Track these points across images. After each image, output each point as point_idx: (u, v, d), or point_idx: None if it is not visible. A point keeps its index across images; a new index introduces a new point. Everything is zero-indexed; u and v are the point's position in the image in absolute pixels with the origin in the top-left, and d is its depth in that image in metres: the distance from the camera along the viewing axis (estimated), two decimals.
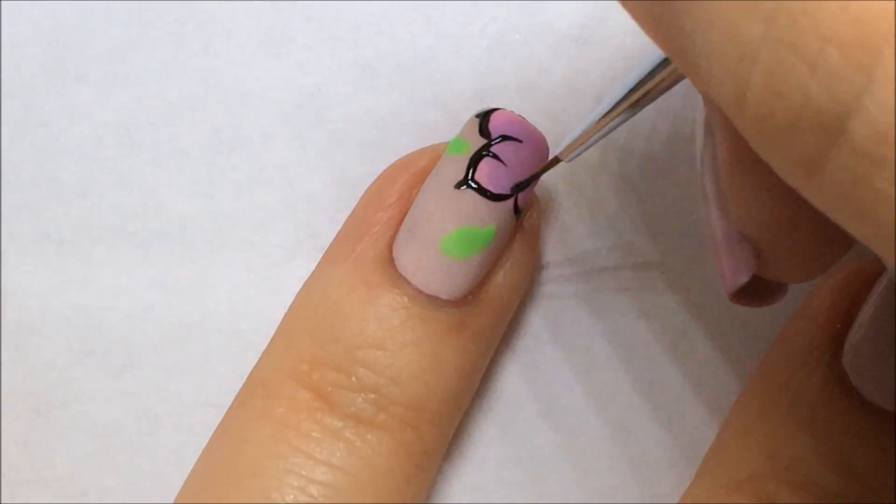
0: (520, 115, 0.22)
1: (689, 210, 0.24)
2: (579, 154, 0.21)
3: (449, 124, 0.24)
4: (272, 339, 0.23)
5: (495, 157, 0.22)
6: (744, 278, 0.19)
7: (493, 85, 0.24)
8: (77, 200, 0.25)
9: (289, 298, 0.24)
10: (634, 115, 0.20)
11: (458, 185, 0.22)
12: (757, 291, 0.19)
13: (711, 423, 0.24)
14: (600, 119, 0.20)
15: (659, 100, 0.19)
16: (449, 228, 0.21)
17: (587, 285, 0.25)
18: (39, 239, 0.25)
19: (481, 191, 0.21)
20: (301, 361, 0.22)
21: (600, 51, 0.24)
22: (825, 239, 0.18)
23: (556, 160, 0.21)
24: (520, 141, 0.22)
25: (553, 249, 0.25)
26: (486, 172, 0.21)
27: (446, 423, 0.23)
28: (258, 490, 0.21)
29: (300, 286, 0.24)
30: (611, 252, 0.25)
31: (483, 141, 0.22)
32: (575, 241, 0.25)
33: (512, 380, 0.25)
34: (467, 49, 0.24)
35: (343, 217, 0.24)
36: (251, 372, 0.23)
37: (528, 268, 0.23)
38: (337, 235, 0.23)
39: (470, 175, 0.21)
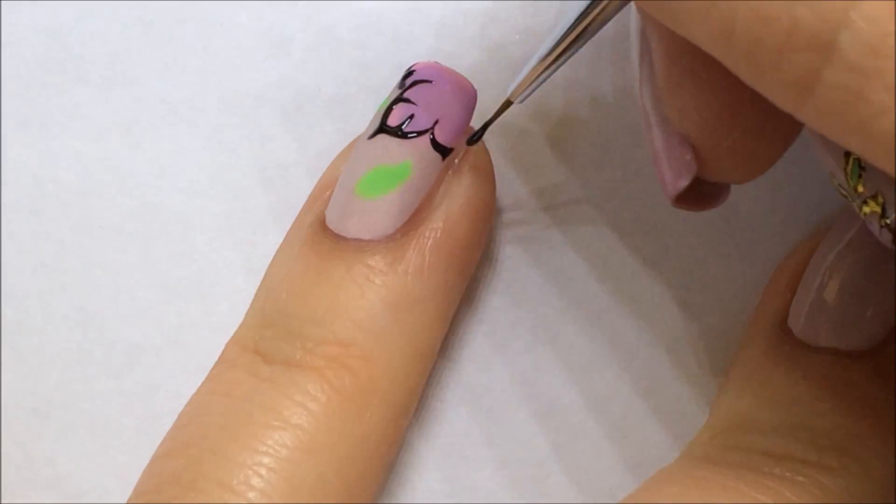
0: (436, 62, 0.23)
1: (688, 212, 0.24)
2: (529, 95, 0.22)
3: None
4: None
5: (406, 100, 0.22)
6: (684, 182, 0.19)
7: (493, 85, 0.24)
8: (77, 200, 0.25)
9: None
10: (579, 49, 0.20)
11: (373, 135, 0.22)
12: (699, 195, 0.20)
13: None
14: (545, 56, 0.21)
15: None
16: (363, 171, 0.22)
17: (585, 287, 0.25)
18: (39, 239, 0.25)
19: (391, 131, 0.22)
20: (247, 329, 0.23)
21: (600, 51, 0.24)
22: (764, 135, 0.18)
23: (509, 103, 0.22)
24: (429, 81, 0.22)
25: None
26: (397, 114, 0.22)
27: (384, 361, 0.22)
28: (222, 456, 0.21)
29: None
30: (612, 252, 0.25)
31: (398, 92, 0.22)
32: (576, 238, 0.25)
33: (511, 380, 0.25)
34: (467, 49, 0.24)
35: None
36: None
37: (477, 208, 0.23)
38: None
39: (382, 122, 0.22)
